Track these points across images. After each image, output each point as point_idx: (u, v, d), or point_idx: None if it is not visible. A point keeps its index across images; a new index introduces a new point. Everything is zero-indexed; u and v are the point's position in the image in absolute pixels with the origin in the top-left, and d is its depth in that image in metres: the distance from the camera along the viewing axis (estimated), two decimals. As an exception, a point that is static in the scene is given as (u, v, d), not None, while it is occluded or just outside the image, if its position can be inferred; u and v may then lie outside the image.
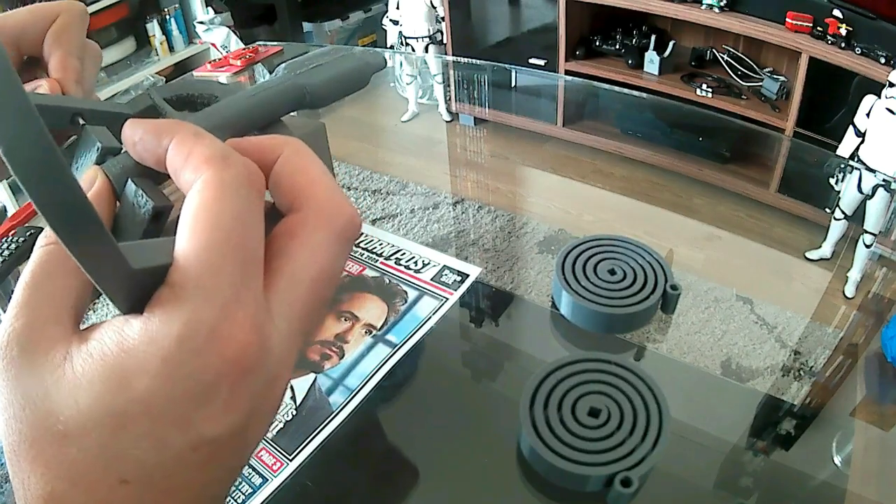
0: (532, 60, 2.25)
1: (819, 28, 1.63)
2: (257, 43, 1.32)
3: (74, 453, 0.17)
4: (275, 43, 1.35)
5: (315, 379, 0.57)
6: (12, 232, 0.72)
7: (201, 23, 2.39)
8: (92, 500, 0.17)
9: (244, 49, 1.28)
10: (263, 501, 0.52)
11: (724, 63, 1.98)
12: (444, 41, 2.26)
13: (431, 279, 0.70)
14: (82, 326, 0.20)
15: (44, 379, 0.18)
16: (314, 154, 0.23)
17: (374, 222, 1.28)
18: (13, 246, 0.72)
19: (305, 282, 0.21)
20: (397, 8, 2.21)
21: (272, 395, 0.20)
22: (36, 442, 0.17)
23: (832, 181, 1.34)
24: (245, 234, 0.19)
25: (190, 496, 0.19)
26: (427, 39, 2.22)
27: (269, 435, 0.53)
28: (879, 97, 1.35)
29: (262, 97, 0.32)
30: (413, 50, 2.24)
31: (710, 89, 1.90)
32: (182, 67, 2.60)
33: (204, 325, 0.18)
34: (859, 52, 1.55)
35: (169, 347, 0.17)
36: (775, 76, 1.85)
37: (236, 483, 0.53)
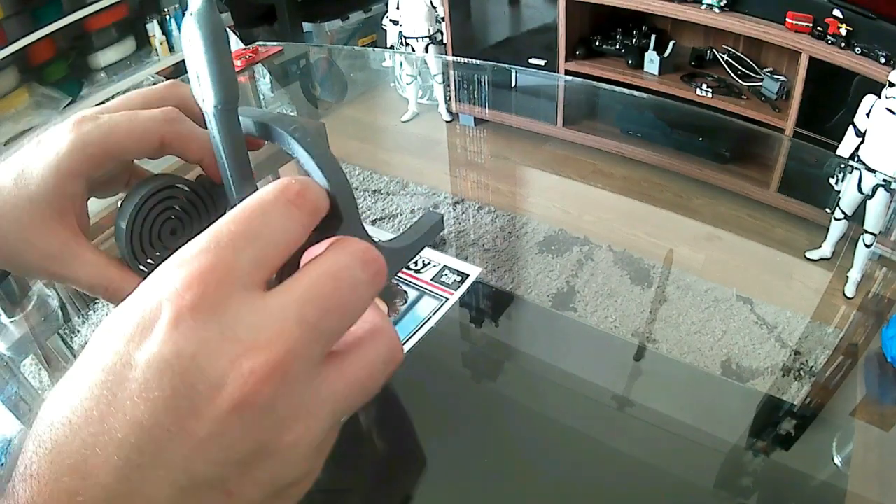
0: (532, 60, 2.25)
1: (819, 28, 1.63)
2: (257, 43, 1.32)
3: None
4: (275, 43, 1.35)
5: (315, 379, 0.57)
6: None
7: (201, 23, 2.39)
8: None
9: (244, 49, 1.28)
10: (263, 501, 0.51)
11: (724, 63, 1.97)
12: (444, 41, 2.26)
13: (431, 279, 0.70)
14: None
15: None
16: None
17: (374, 222, 1.28)
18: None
19: (309, 279, 0.19)
20: (397, 8, 2.21)
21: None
22: None
23: (832, 181, 1.34)
24: (263, 229, 0.19)
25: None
26: (427, 39, 2.22)
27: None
28: (879, 97, 1.35)
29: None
30: (413, 50, 2.24)
31: (710, 89, 1.90)
32: (182, 68, 2.60)
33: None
34: (859, 52, 1.55)
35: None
36: (775, 76, 1.85)
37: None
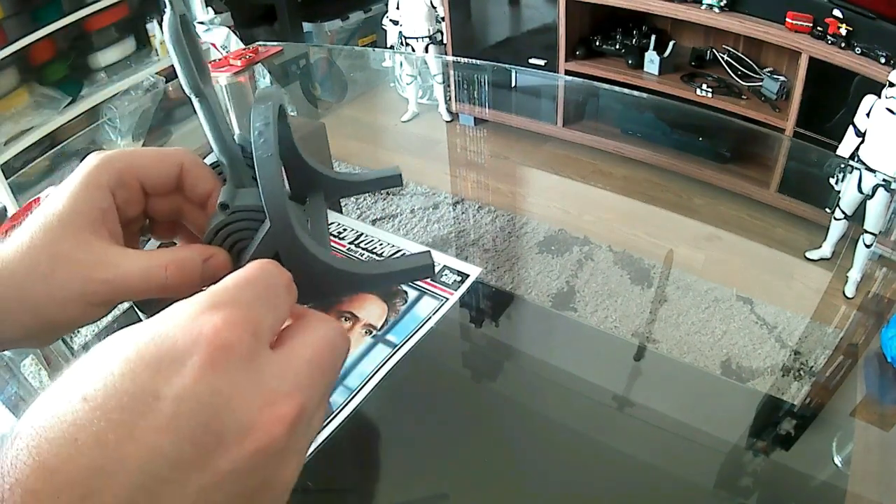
0: (532, 60, 2.25)
1: (819, 28, 1.63)
2: (257, 43, 1.32)
3: None
4: (275, 43, 1.35)
5: (315, 379, 0.57)
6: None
7: (201, 23, 2.39)
8: None
9: (244, 49, 1.28)
10: (263, 501, 0.51)
11: (724, 63, 1.97)
12: (444, 41, 2.26)
13: (431, 279, 0.70)
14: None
15: None
16: None
17: (374, 222, 1.28)
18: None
19: (313, 344, 0.23)
20: (397, 8, 2.21)
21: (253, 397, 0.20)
22: None
23: (832, 181, 1.34)
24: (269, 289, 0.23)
25: None
26: (427, 39, 2.22)
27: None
28: (879, 97, 1.35)
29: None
30: (413, 50, 2.24)
31: (710, 89, 1.90)
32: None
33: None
34: (859, 52, 1.55)
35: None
36: (775, 76, 1.85)
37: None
